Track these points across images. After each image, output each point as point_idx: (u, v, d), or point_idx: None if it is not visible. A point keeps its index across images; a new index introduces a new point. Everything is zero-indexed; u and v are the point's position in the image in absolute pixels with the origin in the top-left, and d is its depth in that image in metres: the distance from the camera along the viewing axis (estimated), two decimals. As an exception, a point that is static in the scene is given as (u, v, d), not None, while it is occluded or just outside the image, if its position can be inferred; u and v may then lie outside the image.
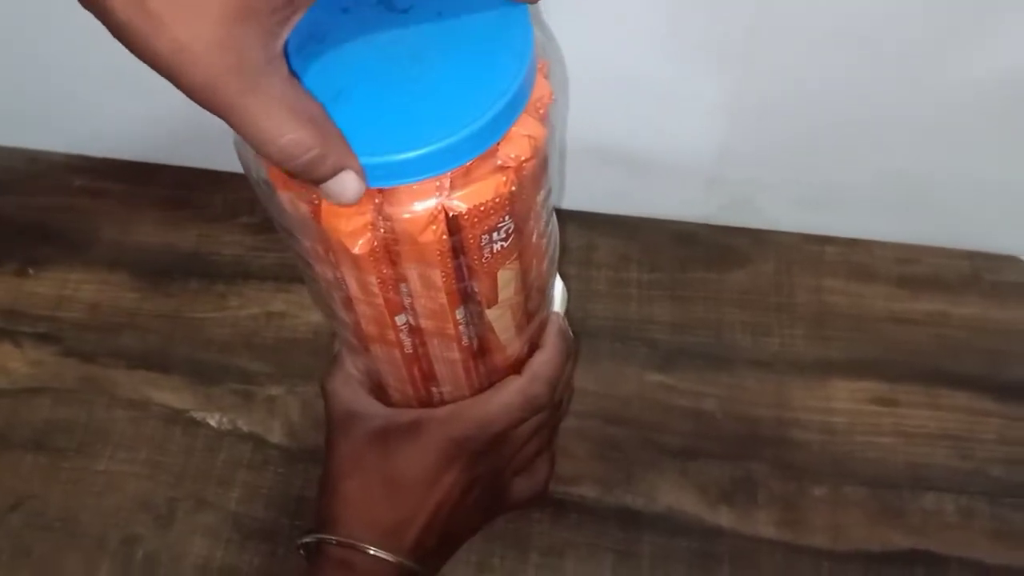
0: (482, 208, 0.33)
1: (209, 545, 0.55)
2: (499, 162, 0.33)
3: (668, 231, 0.66)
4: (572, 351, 0.49)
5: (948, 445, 0.57)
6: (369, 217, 0.32)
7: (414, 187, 0.31)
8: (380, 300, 0.37)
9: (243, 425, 0.59)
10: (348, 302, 0.38)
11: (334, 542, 0.43)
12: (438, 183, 0.32)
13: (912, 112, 0.56)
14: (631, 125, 0.60)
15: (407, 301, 0.37)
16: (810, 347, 0.61)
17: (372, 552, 0.42)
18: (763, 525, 0.55)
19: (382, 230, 0.33)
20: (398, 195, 0.32)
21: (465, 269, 0.36)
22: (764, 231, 0.66)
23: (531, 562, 0.55)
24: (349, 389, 0.47)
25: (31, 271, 0.65)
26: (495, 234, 0.34)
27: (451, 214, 0.32)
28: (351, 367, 0.47)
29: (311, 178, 0.29)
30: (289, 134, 0.27)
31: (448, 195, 0.32)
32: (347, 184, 0.30)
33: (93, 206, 0.69)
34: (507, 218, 0.34)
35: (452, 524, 0.45)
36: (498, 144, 0.32)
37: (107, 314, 0.64)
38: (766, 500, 0.56)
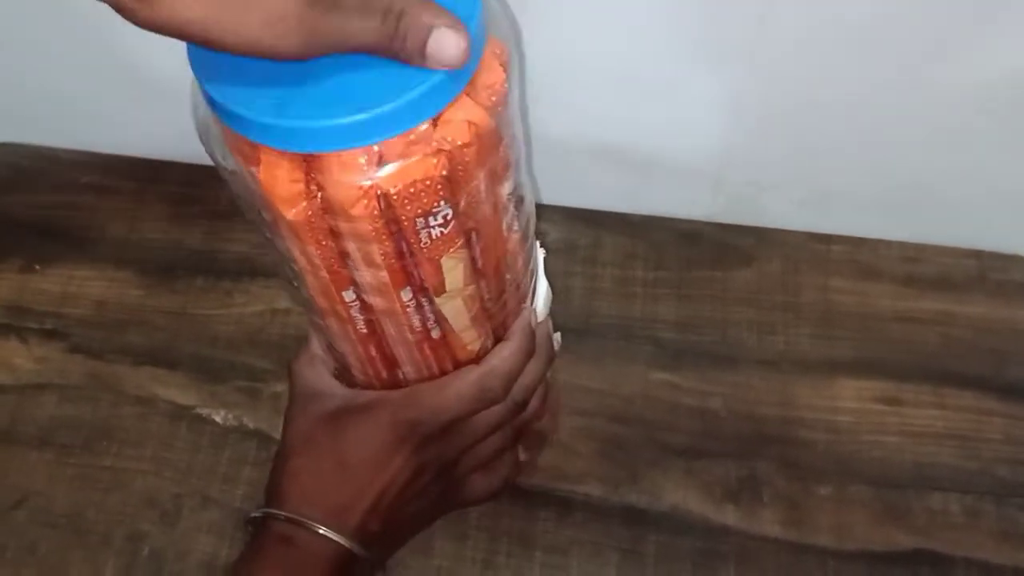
0: (412, 189, 0.33)
1: (214, 542, 0.55)
2: (435, 144, 0.33)
3: (674, 230, 0.66)
4: (544, 353, 0.48)
5: (954, 445, 0.57)
6: (302, 186, 0.33)
7: (344, 158, 0.32)
8: (324, 272, 0.37)
9: (248, 422, 0.59)
10: (300, 275, 0.39)
11: (282, 517, 0.42)
12: (366, 157, 0.32)
13: (918, 111, 0.56)
14: (637, 124, 0.60)
15: (356, 277, 0.37)
16: (816, 346, 0.61)
17: (316, 529, 0.42)
18: (768, 524, 0.55)
19: (318, 198, 0.33)
20: (329, 165, 0.32)
21: (407, 252, 0.36)
22: (769, 230, 0.66)
23: (536, 560, 0.55)
24: (311, 369, 0.47)
25: (37, 267, 0.66)
26: (431, 219, 0.34)
27: (381, 191, 0.33)
28: (317, 348, 0.47)
29: (407, 47, 0.31)
30: (373, 22, 0.30)
31: (377, 171, 0.32)
32: (443, 42, 0.31)
33: (100, 203, 0.69)
34: (443, 203, 0.34)
35: (398, 510, 0.45)
36: (435, 126, 0.32)
37: (113, 311, 0.64)
38: (771, 499, 0.56)
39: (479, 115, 0.33)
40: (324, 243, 0.35)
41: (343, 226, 0.34)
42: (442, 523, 0.55)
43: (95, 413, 0.60)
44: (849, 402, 0.59)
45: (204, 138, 0.35)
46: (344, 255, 0.36)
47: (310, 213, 0.34)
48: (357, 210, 0.33)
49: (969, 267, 0.64)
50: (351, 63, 0.32)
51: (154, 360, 0.62)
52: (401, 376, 0.45)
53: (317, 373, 0.47)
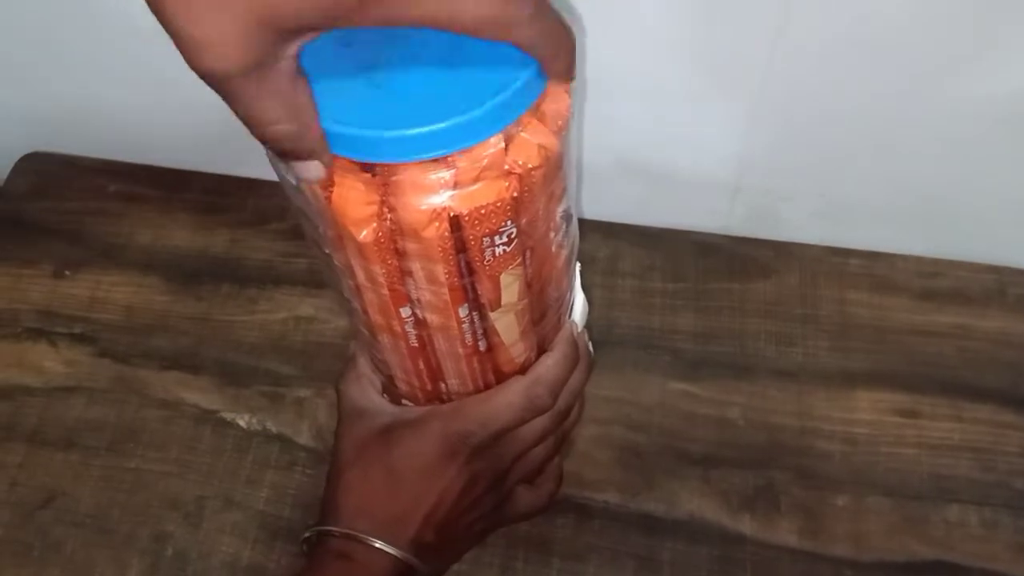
0: (483, 211, 0.34)
1: (237, 544, 0.56)
2: (506, 167, 0.33)
3: (692, 242, 0.67)
4: (585, 362, 0.49)
5: (971, 457, 0.57)
6: (376, 208, 0.33)
7: (418, 181, 0.32)
8: (385, 290, 0.38)
9: (272, 426, 0.60)
10: (357, 290, 0.39)
11: (337, 534, 0.43)
12: (439, 179, 0.33)
13: (936, 123, 0.56)
14: (655, 136, 0.61)
15: (413, 294, 0.38)
16: (833, 358, 0.61)
17: (371, 543, 0.42)
18: (785, 533, 0.55)
19: (388, 221, 0.34)
20: (402, 187, 0.33)
21: (466, 269, 0.37)
22: (787, 243, 0.66)
23: (553, 567, 0.55)
24: (359, 388, 0.48)
25: (67, 273, 0.67)
26: (497, 238, 0.35)
27: (453, 213, 0.33)
28: (364, 365, 0.48)
29: (283, 158, 0.33)
30: (276, 125, 0.31)
31: (449, 193, 0.33)
32: (311, 168, 0.33)
33: (127, 211, 0.70)
34: (509, 223, 0.35)
35: (453, 522, 0.45)
36: (507, 149, 0.33)
37: (140, 316, 0.65)
38: (788, 509, 0.56)
39: (549, 139, 0.34)
40: (389, 262, 0.36)
41: (411, 247, 0.35)
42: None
43: (121, 416, 0.61)
44: (866, 414, 0.59)
45: (274, 163, 0.36)
46: (407, 273, 0.37)
47: (380, 234, 0.34)
48: (429, 232, 0.34)
49: (987, 281, 0.64)
50: (422, 73, 0.32)
51: (179, 364, 0.63)
52: (445, 388, 0.45)
53: (364, 392, 0.48)
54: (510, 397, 0.45)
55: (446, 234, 0.34)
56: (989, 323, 0.62)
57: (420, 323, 0.40)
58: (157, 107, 0.67)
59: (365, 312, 0.41)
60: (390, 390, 0.47)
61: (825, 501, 0.56)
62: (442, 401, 0.46)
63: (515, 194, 0.34)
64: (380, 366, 0.46)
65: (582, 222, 0.67)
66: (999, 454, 0.58)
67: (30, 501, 0.58)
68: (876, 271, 0.65)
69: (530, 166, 0.34)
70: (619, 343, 0.62)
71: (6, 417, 0.61)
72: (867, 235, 0.65)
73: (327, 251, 0.38)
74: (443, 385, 0.45)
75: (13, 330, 0.65)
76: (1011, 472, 0.57)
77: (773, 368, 0.61)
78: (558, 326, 0.47)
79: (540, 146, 0.34)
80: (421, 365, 0.44)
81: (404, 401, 0.47)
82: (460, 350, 0.42)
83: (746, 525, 0.56)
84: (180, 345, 0.64)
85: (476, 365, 0.43)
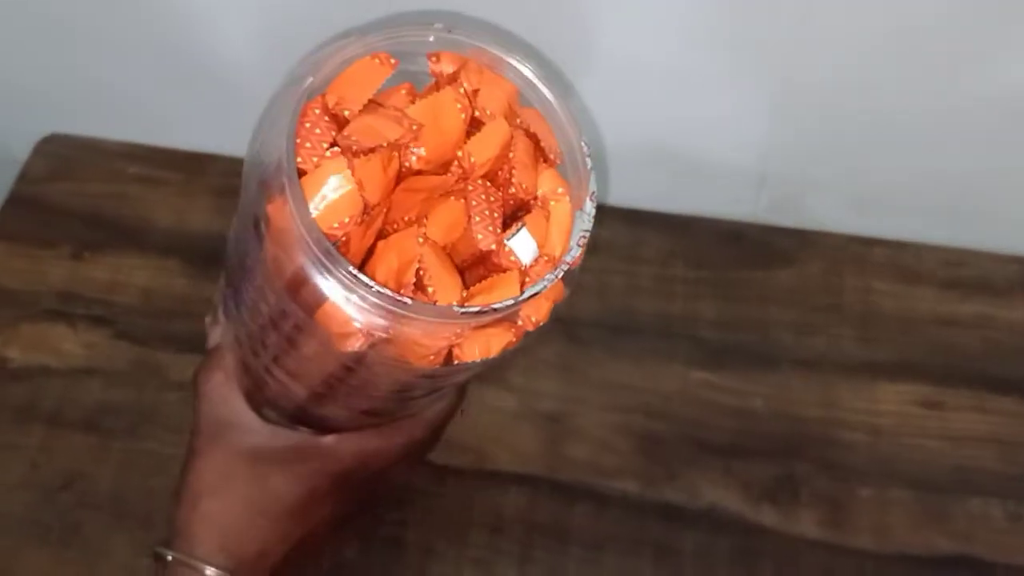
0: (487, 358, 0.33)
1: (254, 528, 0.56)
2: (519, 321, 0.33)
3: (715, 230, 0.66)
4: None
5: (995, 449, 0.57)
6: (368, 329, 0.32)
7: (440, 332, 0.32)
8: (330, 371, 0.37)
9: (290, 411, 0.60)
10: (291, 344, 0.37)
11: (195, 566, 0.40)
12: (459, 331, 0.32)
13: (962, 114, 0.56)
14: (680, 122, 0.61)
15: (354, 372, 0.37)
16: (857, 348, 0.61)
17: None
18: (807, 525, 0.55)
19: (384, 336, 0.32)
20: (417, 326, 0.32)
21: None
22: (811, 231, 0.65)
23: (572, 555, 0.55)
24: (227, 392, 0.44)
25: (86, 255, 0.67)
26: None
27: (449, 350, 0.33)
28: (230, 362, 0.44)
29: None
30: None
31: (459, 339, 0.33)
32: None
33: (147, 194, 0.70)
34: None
35: (316, 548, 0.44)
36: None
37: (159, 299, 0.65)
38: (810, 500, 0.56)
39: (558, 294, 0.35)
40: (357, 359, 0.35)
41: (393, 365, 0.34)
42: (478, 515, 0.56)
43: (140, 398, 0.61)
44: (890, 405, 0.59)
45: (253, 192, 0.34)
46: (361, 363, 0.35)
47: (365, 349, 0.33)
48: (423, 364, 0.33)
49: (1011, 272, 0.63)
50: None
51: (198, 348, 0.62)
52: (328, 414, 0.43)
53: (232, 398, 0.44)
54: (395, 439, 0.44)
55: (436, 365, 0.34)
56: (1014, 313, 0.62)
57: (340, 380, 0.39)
58: (178, 90, 0.67)
59: (297, 358, 0.38)
60: (253, 396, 0.44)
61: (847, 492, 0.56)
62: (309, 412, 0.43)
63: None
64: (254, 380, 0.43)
65: (604, 209, 0.66)
66: (1023, 446, 0.57)
67: (50, 483, 0.58)
68: (900, 260, 0.64)
69: (533, 319, 0.34)
70: (639, 331, 0.62)
71: (26, 399, 0.61)
72: (892, 224, 0.65)
73: (284, 309, 0.35)
74: (328, 411, 0.43)
75: (33, 312, 0.64)
76: (1036, 465, 0.56)
77: (796, 358, 0.61)
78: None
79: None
80: (315, 400, 0.41)
81: (267, 411, 0.44)
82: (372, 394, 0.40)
83: (767, 516, 0.55)
84: (199, 328, 0.63)
85: (379, 403, 0.42)
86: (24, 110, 0.72)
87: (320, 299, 0.31)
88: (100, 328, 0.64)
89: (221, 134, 0.69)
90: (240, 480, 0.42)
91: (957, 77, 0.53)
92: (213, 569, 0.40)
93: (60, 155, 0.72)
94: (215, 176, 0.71)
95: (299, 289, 0.32)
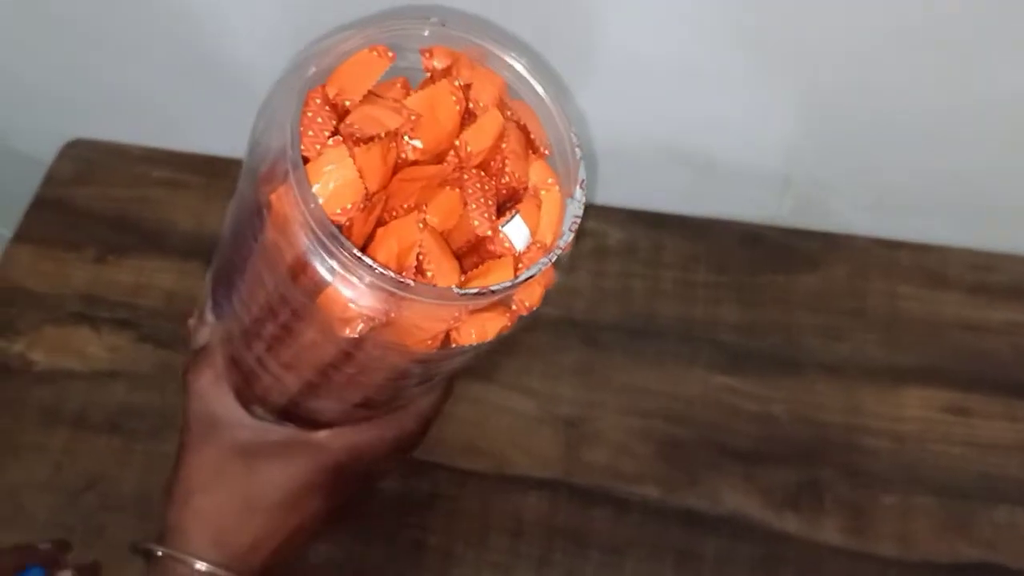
0: (483, 342, 0.34)
1: (275, 531, 0.56)
2: (513, 306, 0.34)
3: (737, 232, 0.65)
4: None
5: (1022, 457, 0.56)
6: (369, 312, 0.33)
7: (439, 313, 0.33)
8: (327, 359, 0.37)
9: (311, 414, 0.60)
10: (292, 333, 0.37)
11: (187, 561, 0.41)
12: (457, 314, 0.33)
13: (991, 115, 0.55)
14: (701, 124, 0.60)
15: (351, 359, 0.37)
16: (882, 353, 0.60)
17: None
18: (830, 532, 0.55)
19: (383, 320, 0.33)
20: (417, 309, 0.32)
21: None
22: (835, 234, 0.65)
23: (592, 559, 0.55)
24: (217, 390, 0.44)
25: (110, 258, 0.67)
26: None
27: (447, 333, 0.34)
28: (220, 360, 0.44)
29: None
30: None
31: (458, 321, 0.33)
32: None
33: (170, 198, 0.70)
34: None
35: (302, 545, 0.44)
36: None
37: (182, 302, 0.65)
38: (833, 506, 0.55)
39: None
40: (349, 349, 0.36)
41: (394, 348, 0.35)
42: (498, 519, 0.56)
43: (163, 401, 0.61)
44: (915, 410, 0.58)
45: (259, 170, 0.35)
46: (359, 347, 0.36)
47: (366, 334, 0.33)
48: (421, 348, 0.34)
49: (1041, 276, 0.62)
50: None
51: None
52: (320, 407, 0.43)
53: (222, 394, 0.44)
54: (383, 433, 0.44)
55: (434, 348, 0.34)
56: (1044, 319, 0.61)
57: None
58: (198, 95, 0.67)
59: (291, 348, 0.38)
60: (243, 393, 0.44)
61: (871, 499, 0.55)
62: (301, 406, 0.43)
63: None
64: (244, 374, 0.43)
65: (625, 212, 0.66)
66: (1052, 454, 0.56)
67: (74, 485, 0.59)
68: (927, 264, 0.63)
69: (527, 303, 0.35)
70: (659, 335, 0.62)
71: (51, 401, 0.62)
72: (918, 227, 0.64)
73: (284, 293, 0.35)
74: (319, 405, 0.43)
75: (57, 315, 0.65)
76: (1065, 473, 0.55)
77: (819, 362, 0.60)
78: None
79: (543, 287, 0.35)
80: (308, 391, 0.41)
81: (256, 408, 0.44)
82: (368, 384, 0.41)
83: (790, 523, 0.55)
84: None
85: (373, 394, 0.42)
86: (49, 115, 0.73)
87: (322, 283, 0.32)
88: (124, 331, 0.64)
89: (241, 138, 0.70)
90: (231, 476, 0.42)
91: (987, 78, 0.52)
92: (204, 563, 0.41)
93: (84, 159, 0.72)
94: (235, 179, 0.71)
95: (301, 274, 0.32)
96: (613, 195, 0.66)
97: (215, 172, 0.71)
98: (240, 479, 0.42)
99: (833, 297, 0.62)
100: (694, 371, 0.60)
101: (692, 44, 0.54)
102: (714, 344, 0.61)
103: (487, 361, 0.55)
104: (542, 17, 0.53)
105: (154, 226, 0.69)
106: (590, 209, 0.65)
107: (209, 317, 0.46)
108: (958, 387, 0.58)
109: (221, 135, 0.71)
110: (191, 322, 0.48)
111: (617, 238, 0.65)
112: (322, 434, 0.43)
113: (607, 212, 0.66)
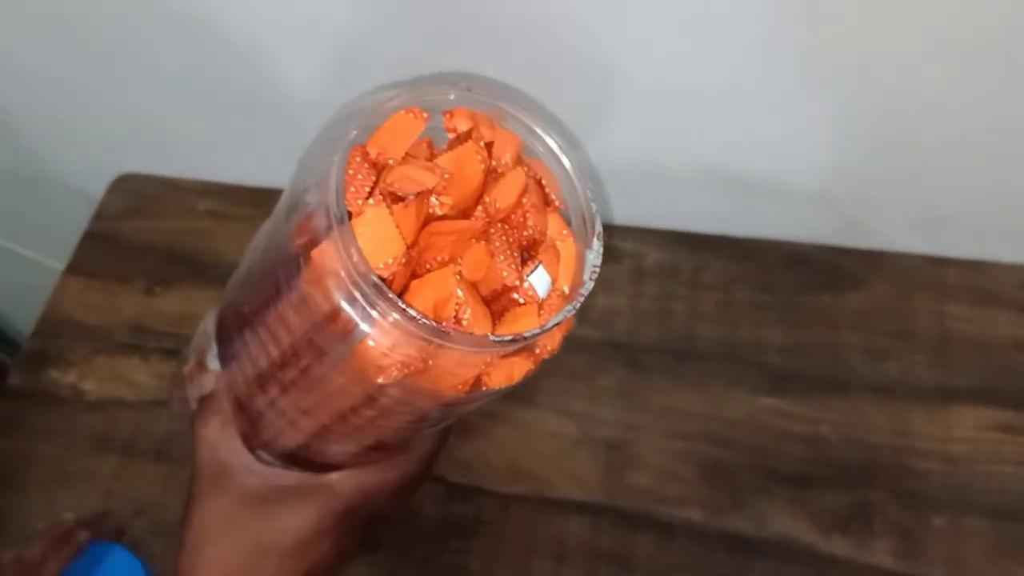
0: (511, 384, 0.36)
1: (319, 556, 0.56)
2: (537, 350, 0.36)
3: (779, 252, 0.65)
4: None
5: (1078, 478, 0.54)
6: (405, 360, 0.33)
7: (469, 360, 0.34)
8: (351, 403, 0.38)
9: (354, 440, 0.60)
10: (310, 378, 0.37)
11: None
12: (489, 359, 0.34)
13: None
14: (743, 143, 0.60)
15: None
16: (931, 373, 0.59)
17: None
18: (880, 555, 0.53)
19: (419, 367, 0.34)
20: (452, 356, 0.33)
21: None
22: (880, 252, 0.64)
23: (636, 585, 0.54)
24: (226, 437, 0.43)
25: (158, 289, 0.68)
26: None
27: (476, 379, 0.35)
28: (227, 406, 0.44)
29: None
30: None
31: (486, 368, 0.35)
32: None
33: (217, 229, 0.72)
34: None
35: None
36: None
37: (228, 331, 0.66)
38: (883, 529, 0.54)
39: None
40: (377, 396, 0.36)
41: (424, 393, 0.36)
42: (541, 543, 0.55)
43: (209, 429, 0.62)
44: (965, 431, 0.57)
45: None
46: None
47: (398, 381, 0.34)
48: (452, 392, 0.35)
49: (1095, 293, 0.61)
50: None
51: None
52: (331, 451, 0.43)
53: (230, 442, 0.43)
54: (391, 474, 0.44)
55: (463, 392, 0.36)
56: (1099, 336, 0.59)
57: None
58: (246, 128, 0.68)
59: (312, 391, 0.39)
60: (249, 439, 0.44)
61: (922, 522, 0.54)
62: (311, 450, 0.43)
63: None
64: (250, 417, 0.43)
65: (665, 233, 0.66)
66: (1111, 474, 0.54)
67: (123, 511, 0.60)
68: (976, 282, 0.62)
69: (549, 348, 0.37)
70: (702, 357, 0.61)
71: (101, 429, 0.63)
72: (966, 245, 0.63)
73: (312, 339, 0.36)
74: (327, 448, 0.43)
75: (108, 345, 0.66)
76: (1124, 494, 0.54)
77: (867, 383, 0.59)
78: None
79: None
80: (319, 436, 0.42)
81: (261, 453, 0.44)
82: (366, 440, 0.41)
83: (839, 546, 0.54)
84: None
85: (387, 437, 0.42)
86: (99, 150, 0.75)
87: (361, 333, 0.33)
88: (171, 360, 0.65)
89: (286, 170, 0.71)
90: (242, 523, 0.42)
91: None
92: None
93: (134, 192, 0.74)
94: (282, 210, 0.72)
95: (336, 324, 0.33)
96: (653, 216, 0.66)
97: (261, 203, 0.73)
98: (251, 526, 0.42)
99: (880, 316, 0.61)
100: (737, 393, 0.60)
101: (735, 65, 0.54)
102: (758, 365, 0.60)
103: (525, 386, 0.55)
104: (586, 43, 0.54)
105: (201, 257, 0.70)
106: (628, 231, 0.66)
107: (212, 364, 0.46)
108: (1009, 406, 0.57)
109: (267, 167, 0.72)
110: (187, 369, 0.48)
111: (656, 259, 0.65)
112: (332, 477, 0.43)
113: (647, 234, 0.66)
